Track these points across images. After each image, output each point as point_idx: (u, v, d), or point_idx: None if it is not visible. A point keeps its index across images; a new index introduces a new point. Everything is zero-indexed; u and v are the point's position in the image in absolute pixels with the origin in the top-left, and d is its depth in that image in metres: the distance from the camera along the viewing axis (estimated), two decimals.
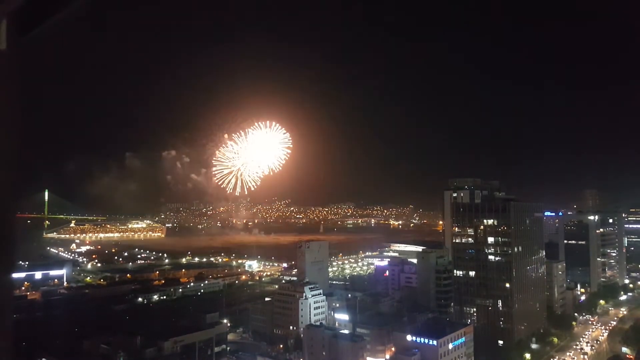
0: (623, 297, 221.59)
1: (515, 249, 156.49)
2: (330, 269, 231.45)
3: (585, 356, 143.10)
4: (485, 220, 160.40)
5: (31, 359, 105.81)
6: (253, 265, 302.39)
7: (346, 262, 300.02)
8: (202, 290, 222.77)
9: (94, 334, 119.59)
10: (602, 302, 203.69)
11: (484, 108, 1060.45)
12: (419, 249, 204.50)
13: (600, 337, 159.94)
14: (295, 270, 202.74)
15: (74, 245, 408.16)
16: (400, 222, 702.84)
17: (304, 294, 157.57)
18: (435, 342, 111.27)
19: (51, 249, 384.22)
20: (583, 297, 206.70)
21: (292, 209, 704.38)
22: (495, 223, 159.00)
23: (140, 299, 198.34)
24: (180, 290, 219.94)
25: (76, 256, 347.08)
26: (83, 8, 4.74)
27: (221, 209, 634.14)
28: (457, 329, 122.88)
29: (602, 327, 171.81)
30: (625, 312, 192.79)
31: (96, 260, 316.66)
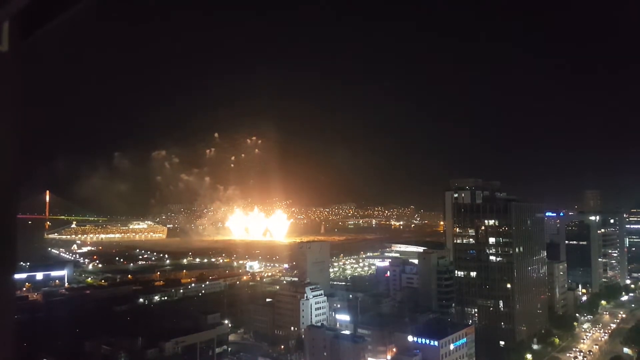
0: (624, 298, 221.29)
1: (517, 250, 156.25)
2: (331, 270, 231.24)
3: None
4: (486, 221, 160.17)
5: (33, 359, 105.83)
6: (254, 265, 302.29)
7: (347, 262, 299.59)
8: (203, 291, 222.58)
9: (95, 335, 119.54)
10: (603, 302, 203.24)
11: (486, 108, 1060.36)
12: (420, 249, 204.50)
13: (595, 345, 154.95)
14: (297, 271, 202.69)
15: (75, 246, 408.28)
16: (401, 222, 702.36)
17: (305, 295, 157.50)
18: (436, 343, 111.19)
19: (52, 250, 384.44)
20: (584, 298, 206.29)
21: (293, 209, 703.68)
22: (497, 223, 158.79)
23: (141, 300, 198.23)
24: (182, 291, 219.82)
25: (77, 257, 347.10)
26: (84, 11, 4.76)
27: (222, 209, 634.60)
28: (459, 329, 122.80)
29: (602, 331, 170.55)
30: (624, 315, 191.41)
31: (97, 261, 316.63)
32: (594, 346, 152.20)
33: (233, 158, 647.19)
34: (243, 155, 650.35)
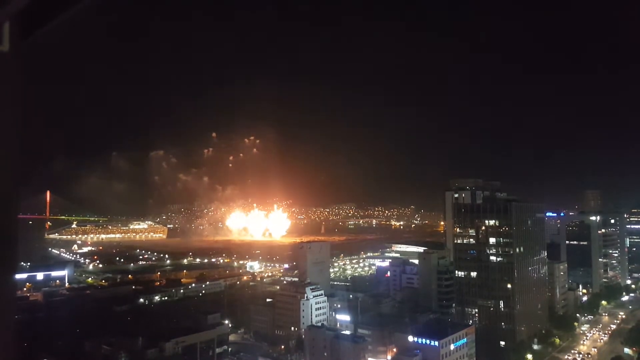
0: (625, 298, 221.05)
1: (517, 250, 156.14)
2: (331, 270, 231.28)
3: None
4: (486, 221, 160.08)
5: (33, 359, 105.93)
6: (254, 266, 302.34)
7: (347, 262, 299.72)
8: (203, 291, 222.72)
9: (95, 335, 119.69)
10: (604, 302, 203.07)
11: (486, 108, 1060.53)
12: (421, 249, 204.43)
13: (594, 348, 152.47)
14: (297, 271, 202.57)
15: (75, 246, 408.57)
16: (401, 222, 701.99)
17: (306, 295, 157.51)
18: (436, 343, 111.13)
19: (53, 250, 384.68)
20: (585, 298, 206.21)
21: (293, 209, 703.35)
22: (497, 224, 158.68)
23: (141, 300, 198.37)
24: (182, 291, 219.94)
25: (78, 257, 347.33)
26: (84, 11, 4.77)
27: (222, 209, 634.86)
28: (459, 329, 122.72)
29: (602, 331, 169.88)
30: (624, 315, 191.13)
31: (98, 261, 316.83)
32: (593, 349, 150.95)
33: (231, 158, 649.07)
34: (243, 155, 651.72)
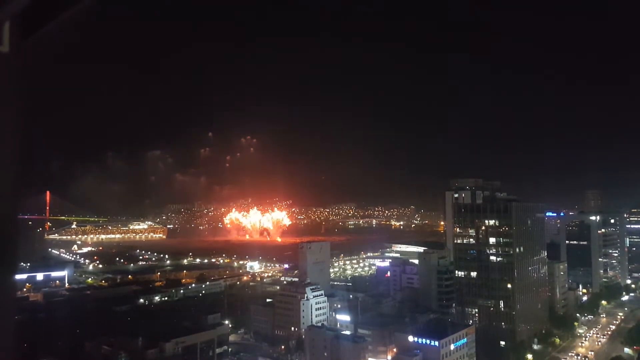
0: (625, 298, 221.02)
1: (517, 250, 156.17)
2: (331, 270, 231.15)
3: None
4: (486, 221, 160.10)
5: None
6: (254, 266, 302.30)
7: (347, 262, 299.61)
8: (203, 292, 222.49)
9: (95, 335, 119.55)
10: (604, 302, 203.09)
11: (486, 108, 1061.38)
12: (421, 249, 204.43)
13: (591, 351, 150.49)
14: (297, 271, 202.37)
15: (75, 247, 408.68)
16: (401, 222, 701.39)
17: (306, 295, 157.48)
18: (437, 343, 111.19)
19: (53, 250, 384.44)
20: (585, 298, 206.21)
21: (293, 209, 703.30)
22: (497, 223, 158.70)
23: (141, 300, 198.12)
24: (182, 291, 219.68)
25: (78, 257, 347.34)
26: (85, 11, 4.76)
27: (222, 210, 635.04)
28: (459, 329, 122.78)
29: (602, 332, 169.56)
30: (624, 315, 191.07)
31: (98, 262, 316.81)
32: (590, 352, 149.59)
33: (229, 158, 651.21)
34: (243, 155, 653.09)
